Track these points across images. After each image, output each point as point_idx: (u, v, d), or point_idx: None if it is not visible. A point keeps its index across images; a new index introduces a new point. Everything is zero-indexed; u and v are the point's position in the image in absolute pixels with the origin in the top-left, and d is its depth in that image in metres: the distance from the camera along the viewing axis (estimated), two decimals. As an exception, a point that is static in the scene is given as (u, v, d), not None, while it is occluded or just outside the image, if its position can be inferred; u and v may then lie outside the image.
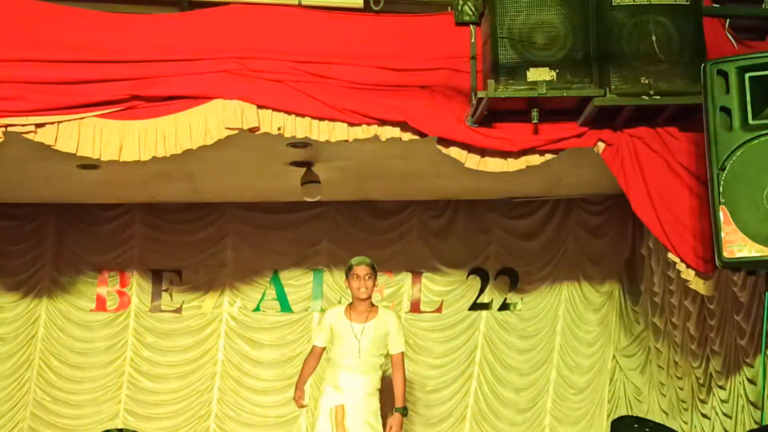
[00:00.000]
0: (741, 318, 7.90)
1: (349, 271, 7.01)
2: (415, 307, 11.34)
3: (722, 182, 5.43)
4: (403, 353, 7.11)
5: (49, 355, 10.99)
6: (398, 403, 7.02)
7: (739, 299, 7.94)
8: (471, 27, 6.38)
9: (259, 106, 6.28)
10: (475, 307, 11.44)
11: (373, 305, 7.08)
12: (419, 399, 11.26)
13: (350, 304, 7.08)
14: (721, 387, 8.54)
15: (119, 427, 10.84)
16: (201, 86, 6.23)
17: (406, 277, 11.40)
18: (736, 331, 8.10)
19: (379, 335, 6.99)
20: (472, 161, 6.60)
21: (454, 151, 6.56)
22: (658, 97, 5.98)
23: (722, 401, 8.52)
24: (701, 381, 9.04)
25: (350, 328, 6.96)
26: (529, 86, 5.92)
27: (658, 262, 9.95)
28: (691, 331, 9.21)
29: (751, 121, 5.44)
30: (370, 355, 6.98)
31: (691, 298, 9.13)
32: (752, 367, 7.81)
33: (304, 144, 7.78)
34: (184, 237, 11.25)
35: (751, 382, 7.87)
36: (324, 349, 7.17)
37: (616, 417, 10.71)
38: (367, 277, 6.93)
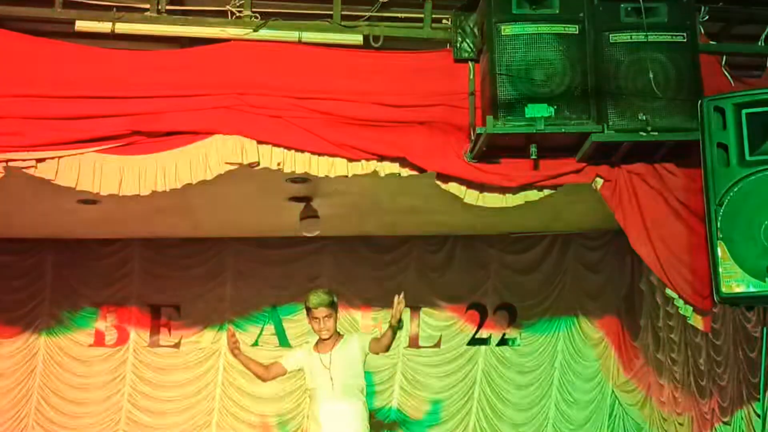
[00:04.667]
0: (755, 354, 7.90)
1: (308, 313, 7.00)
2: (413, 343, 11.31)
3: (720, 218, 5.45)
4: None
5: (48, 390, 10.95)
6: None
7: (753, 335, 7.93)
8: (470, 63, 6.43)
9: (259, 142, 6.30)
10: (474, 342, 11.42)
11: (339, 334, 7.06)
12: (418, 435, 11.22)
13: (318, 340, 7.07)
14: (726, 423, 8.51)
15: (117, 463, 10.84)
16: (201, 122, 6.25)
17: (405, 313, 11.32)
18: (745, 366, 8.09)
19: (349, 358, 6.93)
20: (471, 197, 6.61)
21: (453, 187, 6.58)
22: (655, 133, 6.00)
23: (725, 437, 8.52)
24: (707, 416, 9.00)
25: (319, 360, 6.92)
26: (528, 122, 5.94)
27: (663, 298, 9.95)
28: (698, 366, 9.18)
29: (748, 157, 5.47)
30: (343, 380, 6.90)
31: (694, 334, 9.11)
32: (758, 400, 7.79)
33: (303, 179, 7.79)
34: (183, 272, 11.25)
35: (757, 415, 7.85)
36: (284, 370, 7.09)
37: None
38: (326, 318, 6.91)
